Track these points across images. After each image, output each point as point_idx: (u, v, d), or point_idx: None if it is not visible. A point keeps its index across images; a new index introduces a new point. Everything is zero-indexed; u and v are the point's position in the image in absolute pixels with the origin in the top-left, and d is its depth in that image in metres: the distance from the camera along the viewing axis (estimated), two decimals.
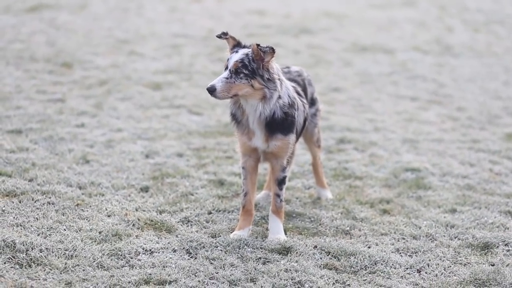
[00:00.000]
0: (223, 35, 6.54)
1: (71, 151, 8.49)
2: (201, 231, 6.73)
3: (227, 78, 6.34)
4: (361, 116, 10.92)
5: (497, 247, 6.71)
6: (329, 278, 5.98)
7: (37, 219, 6.68)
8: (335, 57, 14.97)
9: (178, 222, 6.90)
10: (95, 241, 6.33)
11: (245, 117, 6.61)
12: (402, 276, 6.09)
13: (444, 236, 6.90)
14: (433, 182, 8.28)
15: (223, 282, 5.82)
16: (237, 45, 6.54)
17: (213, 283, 5.81)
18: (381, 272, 6.13)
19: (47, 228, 6.50)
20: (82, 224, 6.65)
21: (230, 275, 5.91)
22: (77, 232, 6.49)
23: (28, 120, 9.41)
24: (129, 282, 5.69)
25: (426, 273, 6.18)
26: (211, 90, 6.30)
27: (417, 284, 5.96)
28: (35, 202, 7.04)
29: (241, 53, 6.41)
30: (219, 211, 7.21)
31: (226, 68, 6.41)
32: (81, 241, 6.30)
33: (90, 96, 10.83)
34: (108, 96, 10.95)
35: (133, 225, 6.75)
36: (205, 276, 5.89)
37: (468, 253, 6.57)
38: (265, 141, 6.63)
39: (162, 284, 5.72)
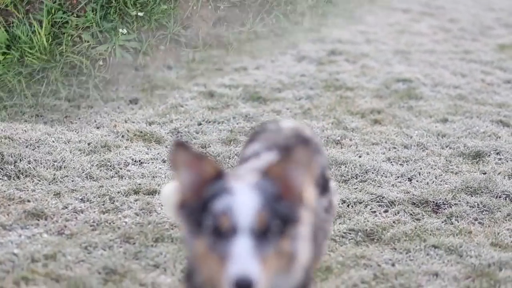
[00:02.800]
0: (202, 158, 3.11)
1: None
2: (191, 142, 6.67)
3: (254, 248, 2.93)
4: (352, 28, 10.79)
5: (489, 155, 6.67)
6: None
7: (25, 131, 6.62)
8: None
9: (167, 133, 6.84)
10: (84, 152, 6.28)
11: None
12: (393, 185, 6.05)
13: (435, 145, 6.85)
14: (424, 92, 8.21)
15: None
16: (219, 175, 3.10)
17: None
18: (372, 181, 6.09)
19: (36, 140, 6.44)
20: (70, 135, 6.60)
21: None
22: (65, 143, 6.44)
23: None
24: (118, 192, 5.65)
25: (417, 181, 6.14)
26: (247, 285, 2.84)
27: (408, 192, 5.91)
28: (23, 114, 6.97)
29: (250, 191, 3.02)
30: (209, 122, 7.14)
31: (229, 230, 2.94)
32: (70, 152, 6.25)
33: None
34: None
35: (122, 136, 6.69)
36: None
37: (460, 162, 6.53)
38: None
39: (152, 194, 5.67)
